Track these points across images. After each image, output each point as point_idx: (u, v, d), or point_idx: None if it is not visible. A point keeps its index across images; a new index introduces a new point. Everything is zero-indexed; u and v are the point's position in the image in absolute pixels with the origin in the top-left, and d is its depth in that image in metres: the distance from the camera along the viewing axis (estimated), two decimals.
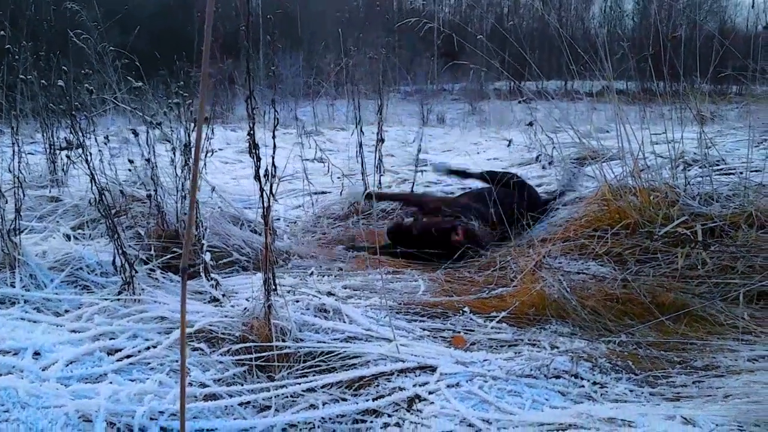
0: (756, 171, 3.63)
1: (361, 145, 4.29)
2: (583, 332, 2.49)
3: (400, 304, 2.74)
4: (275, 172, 2.39)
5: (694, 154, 4.18)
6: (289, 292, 2.69)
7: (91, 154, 2.94)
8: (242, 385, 2.09)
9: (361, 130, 4.26)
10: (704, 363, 2.19)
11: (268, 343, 2.26)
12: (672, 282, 2.87)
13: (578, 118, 7.32)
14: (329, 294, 2.75)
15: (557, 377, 2.10)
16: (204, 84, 1.04)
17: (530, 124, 5.16)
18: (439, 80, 17.83)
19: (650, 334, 2.45)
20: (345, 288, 2.90)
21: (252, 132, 2.37)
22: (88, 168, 2.84)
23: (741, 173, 3.70)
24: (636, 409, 1.81)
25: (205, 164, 4.36)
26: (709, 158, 3.92)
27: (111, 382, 2.02)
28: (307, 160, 5.04)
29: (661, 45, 4.57)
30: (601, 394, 2.00)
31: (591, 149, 5.22)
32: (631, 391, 2.01)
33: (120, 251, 2.77)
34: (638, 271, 3.03)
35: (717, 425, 1.65)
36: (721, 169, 4.08)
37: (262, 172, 2.33)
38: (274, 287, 2.38)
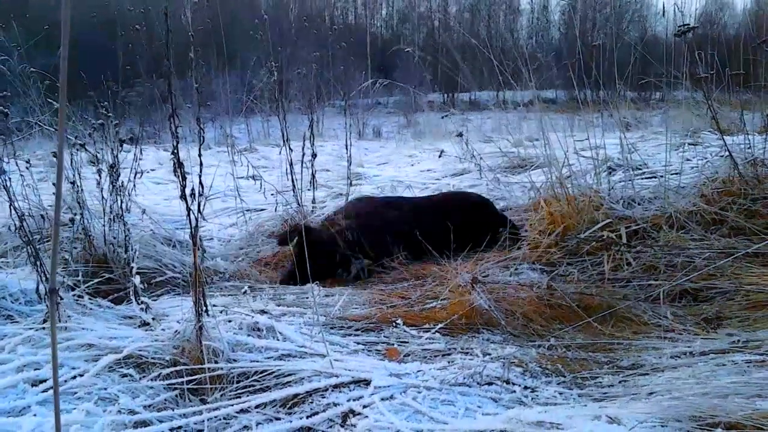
0: (675, 174, 3.77)
1: (291, 163, 4.27)
2: (514, 338, 2.54)
3: (334, 319, 2.74)
4: (203, 190, 2.36)
5: (618, 159, 4.32)
6: (221, 312, 2.65)
7: (10, 179, 2.85)
8: (173, 409, 2.05)
9: (290, 147, 4.24)
10: (630, 362, 2.25)
11: (200, 366, 2.22)
12: (599, 284, 2.95)
13: (510, 127, 7.48)
14: (262, 312, 2.72)
15: (490, 384, 2.12)
16: (62, 102, 1.03)
17: (459, 135, 5.24)
18: (373, 94, 17.96)
19: (579, 336, 2.52)
20: (279, 305, 2.88)
21: (176, 151, 2.34)
22: (7, 194, 2.76)
23: (661, 176, 3.85)
24: (564, 411, 1.85)
25: (134, 186, 4.28)
26: (632, 163, 4.06)
27: (35, 415, 1.96)
28: (241, 177, 4.99)
29: (580, 54, 4.72)
30: (532, 398, 2.03)
31: (520, 158, 5.35)
32: (560, 393, 2.05)
33: (44, 278, 2.69)
34: (567, 275, 3.11)
35: (640, 422, 1.70)
36: (643, 173, 4.23)
37: (188, 191, 2.30)
38: (205, 308, 2.34)
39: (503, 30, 26.46)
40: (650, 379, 2.07)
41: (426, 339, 2.53)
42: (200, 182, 2.35)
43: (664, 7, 5.01)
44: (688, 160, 4.27)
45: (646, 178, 4.16)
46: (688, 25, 3.46)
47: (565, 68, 5.38)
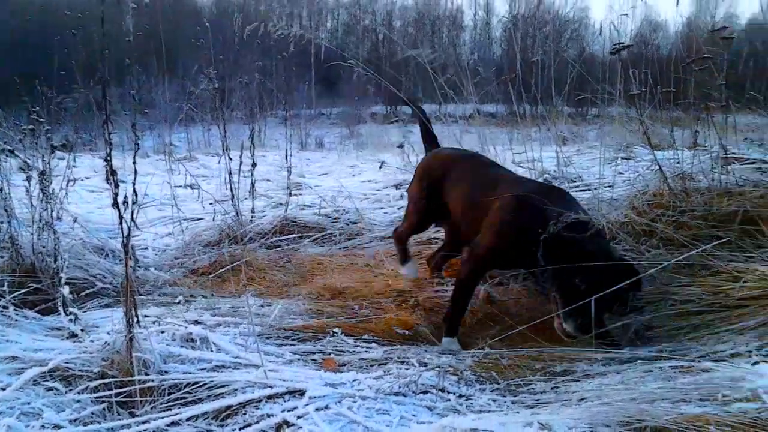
0: (608, 186, 3.87)
1: (230, 172, 4.21)
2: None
3: (271, 329, 2.70)
4: (136, 198, 2.31)
5: (554, 171, 4.41)
6: (154, 322, 2.59)
7: None
8: (101, 423, 1.98)
9: (229, 157, 4.19)
10: (562, 368, 2.29)
11: (130, 378, 2.16)
12: (535, 293, 3.00)
13: (451, 140, 7.56)
14: (196, 323, 2.67)
15: (425, 392, 2.13)
16: None
17: (401, 146, 5.28)
18: (317, 104, 17.95)
19: (514, 344, 2.55)
20: (214, 315, 2.83)
21: (109, 158, 2.28)
22: None
23: (595, 189, 3.94)
24: (497, 419, 1.86)
25: (66, 194, 4.16)
26: (567, 175, 4.15)
27: None
28: (179, 186, 4.91)
29: (520, 70, 4.82)
30: (467, 406, 2.04)
31: None
32: (494, 401, 2.07)
33: None
34: (505, 285, 3.15)
35: (570, 428, 1.73)
36: (578, 186, 4.32)
37: (120, 199, 2.25)
38: (136, 319, 2.28)
39: (447, 45, 26.94)
40: (581, 385, 2.10)
41: (363, 348, 2.53)
42: (134, 190, 2.30)
43: (601, 27, 5.16)
44: (620, 173, 4.39)
45: (580, 190, 4.25)
46: (623, 43, 3.57)
47: (505, 83, 5.50)
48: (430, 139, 3.79)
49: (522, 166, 4.82)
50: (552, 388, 2.13)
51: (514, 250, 2.68)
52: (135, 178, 2.33)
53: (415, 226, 3.43)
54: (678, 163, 3.82)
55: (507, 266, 3.02)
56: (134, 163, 2.39)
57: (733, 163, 3.67)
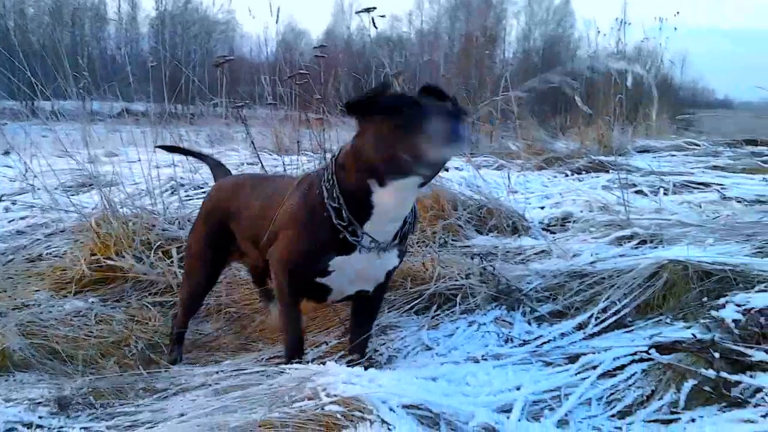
0: None
1: None
2: (51, 376, 2.40)
3: None
4: None
5: (181, 177, 4.41)
6: None
7: None
8: None
9: None
10: (167, 384, 2.28)
11: None
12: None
13: (94, 141, 7.08)
14: None
15: (10, 431, 1.97)
16: None
17: (6, 153, 4.82)
18: None
19: (123, 365, 2.49)
20: None
21: None
22: None
23: None
24: None
25: None
26: (195, 182, 4.18)
27: None
28: None
29: (168, 68, 4.74)
30: None
31: (88, 176, 5.12)
32: (86, 428, 1.99)
33: None
34: (121, 301, 3.08)
35: None
36: (204, 192, 4.37)
37: None
38: None
39: (89, 38, 25.24)
40: (180, 398, 2.11)
41: None
42: None
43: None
44: None
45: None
46: (225, 56, 3.72)
47: (156, 81, 5.41)
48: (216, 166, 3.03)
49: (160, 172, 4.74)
50: (152, 404, 2.11)
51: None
52: None
53: (202, 292, 2.65)
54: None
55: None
56: None
57: None
